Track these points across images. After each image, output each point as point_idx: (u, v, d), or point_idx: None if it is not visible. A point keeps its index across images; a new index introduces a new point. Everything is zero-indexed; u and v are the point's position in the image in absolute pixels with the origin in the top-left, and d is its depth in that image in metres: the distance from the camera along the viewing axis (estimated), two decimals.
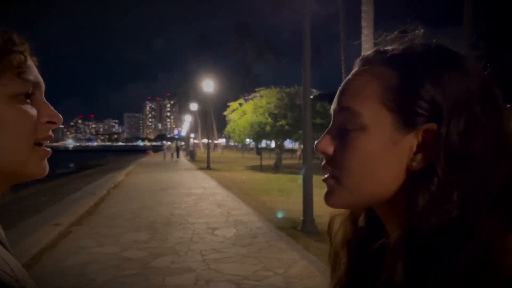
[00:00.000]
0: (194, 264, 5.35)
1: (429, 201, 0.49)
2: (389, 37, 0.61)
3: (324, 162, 0.59)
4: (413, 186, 0.51)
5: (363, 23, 11.17)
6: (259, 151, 36.72)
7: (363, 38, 11.11)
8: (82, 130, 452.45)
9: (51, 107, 0.64)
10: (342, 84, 0.60)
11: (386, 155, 0.53)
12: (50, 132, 0.64)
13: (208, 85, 26.71)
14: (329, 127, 0.60)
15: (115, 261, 5.55)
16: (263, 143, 33.52)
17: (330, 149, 0.58)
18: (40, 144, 0.62)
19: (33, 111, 0.61)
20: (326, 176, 0.59)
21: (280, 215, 8.41)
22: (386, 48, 0.58)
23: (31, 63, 0.62)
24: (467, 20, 15.81)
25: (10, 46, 0.59)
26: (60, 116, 0.64)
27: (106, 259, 5.62)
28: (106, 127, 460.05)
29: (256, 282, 4.68)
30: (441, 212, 0.48)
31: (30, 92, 0.61)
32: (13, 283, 0.59)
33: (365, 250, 0.63)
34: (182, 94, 69.71)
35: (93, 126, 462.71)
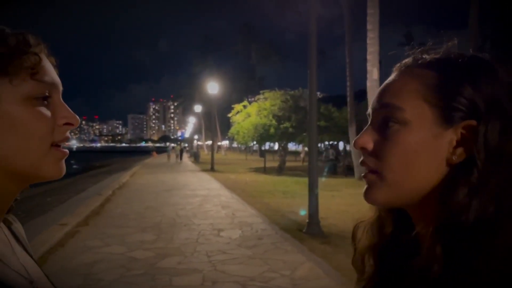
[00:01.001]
0: (201, 265, 5.39)
1: (469, 192, 0.52)
2: (420, 49, 0.64)
3: (362, 158, 0.62)
4: (453, 179, 0.54)
5: (369, 26, 11.21)
6: (262, 153, 36.73)
7: (368, 41, 11.16)
8: (86, 131, 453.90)
9: (68, 109, 0.63)
10: (382, 85, 0.64)
11: (427, 148, 0.56)
12: (67, 134, 0.63)
13: (213, 87, 26.78)
14: (368, 124, 0.63)
15: (122, 261, 5.59)
16: (267, 145, 33.56)
17: (370, 145, 0.60)
18: (57, 146, 0.62)
19: (48, 113, 0.61)
20: (365, 172, 0.61)
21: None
22: (422, 55, 0.62)
23: (47, 64, 0.62)
24: (473, 22, 15.80)
25: (24, 47, 0.59)
26: (77, 117, 0.64)
27: (113, 259, 5.67)
28: (110, 128, 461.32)
29: (262, 284, 4.71)
30: (480, 204, 0.51)
31: (46, 94, 0.61)
32: (27, 285, 0.61)
33: (391, 254, 0.66)
34: (186, 96, 69.91)
35: (97, 127, 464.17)
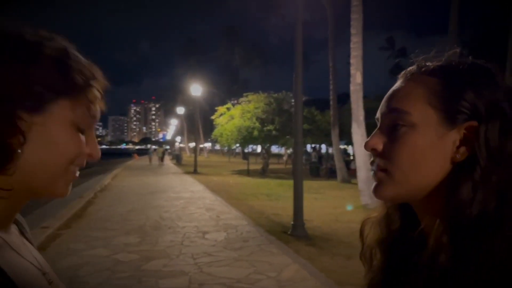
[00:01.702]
0: (187, 267, 5.38)
1: (472, 188, 0.57)
2: (423, 57, 0.69)
3: (372, 159, 0.68)
4: (457, 176, 0.59)
5: (353, 31, 11.35)
6: (245, 155, 36.73)
7: (352, 45, 11.30)
8: None
9: (96, 142, 0.67)
10: (390, 91, 0.69)
11: (433, 148, 0.62)
12: (84, 162, 0.66)
13: (196, 89, 26.70)
14: (377, 128, 0.68)
15: (107, 264, 5.54)
16: (249, 148, 33.58)
17: (380, 146, 0.66)
18: (72, 171, 0.64)
19: (83, 141, 0.64)
20: (374, 170, 0.66)
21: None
22: (426, 63, 0.68)
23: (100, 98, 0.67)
24: (453, 29, 16.17)
25: (93, 81, 0.64)
26: (100, 153, 0.68)
27: (98, 262, 5.61)
28: None
29: (249, 285, 4.73)
30: (482, 199, 0.56)
31: (88, 125, 0.65)
32: (41, 276, 0.64)
33: (398, 249, 0.71)
34: (168, 98, 69.41)
35: None
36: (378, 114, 0.70)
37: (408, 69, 0.69)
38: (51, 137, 0.59)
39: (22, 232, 0.73)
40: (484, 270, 0.52)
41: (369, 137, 0.68)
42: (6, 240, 0.62)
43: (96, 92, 0.65)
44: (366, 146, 0.67)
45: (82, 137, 0.64)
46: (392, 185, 0.64)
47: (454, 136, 0.61)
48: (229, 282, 4.84)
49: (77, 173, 0.66)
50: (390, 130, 0.65)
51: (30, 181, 0.60)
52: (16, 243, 0.65)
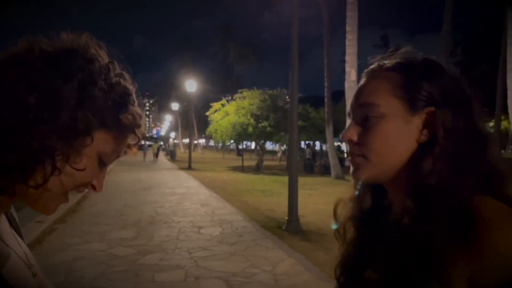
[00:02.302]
0: (182, 261, 5.42)
1: (433, 162, 0.69)
2: (381, 56, 0.82)
3: (349, 148, 0.78)
4: (421, 153, 0.71)
5: (348, 28, 11.42)
6: (240, 152, 36.69)
7: (347, 43, 11.37)
8: None
9: (104, 178, 0.68)
10: (358, 88, 0.80)
11: (401, 133, 0.73)
12: (84, 191, 0.67)
13: (191, 85, 26.64)
14: (350, 122, 0.78)
15: (103, 258, 5.56)
16: (243, 144, 33.61)
17: (355, 137, 0.76)
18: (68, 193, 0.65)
19: (97, 173, 0.65)
20: (350, 158, 0.77)
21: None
22: (384, 61, 0.79)
23: None
24: (446, 27, 16.28)
25: (135, 128, 0.66)
26: (102, 188, 0.68)
27: (93, 256, 5.63)
28: None
29: (244, 279, 4.78)
30: (441, 169, 0.68)
31: (112, 158, 0.66)
32: (27, 270, 0.66)
33: (369, 223, 0.83)
34: (162, 94, 69.18)
35: None
36: (348, 109, 0.80)
37: (370, 67, 0.80)
38: (72, 163, 0.59)
39: (11, 224, 0.74)
40: (438, 224, 0.64)
41: (345, 130, 0.77)
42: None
43: (133, 138, 0.67)
44: (343, 137, 0.77)
45: (97, 170, 0.64)
46: (370, 167, 0.74)
47: (417, 121, 0.73)
48: (225, 275, 4.88)
49: (69, 199, 0.65)
50: (363, 121, 0.76)
51: (30, 194, 0.60)
52: (4, 231, 0.65)
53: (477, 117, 0.72)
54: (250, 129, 21.75)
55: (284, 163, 28.16)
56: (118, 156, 0.67)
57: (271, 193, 12.64)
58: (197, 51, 61.62)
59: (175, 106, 45.85)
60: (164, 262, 5.42)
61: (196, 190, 13.77)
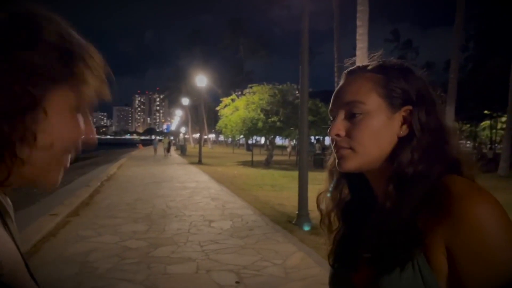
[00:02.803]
0: (194, 254, 5.50)
1: (410, 152, 0.79)
2: (353, 59, 0.95)
3: (334, 143, 0.86)
4: (401, 146, 0.81)
5: (358, 23, 11.36)
6: (249, 147, 36.73)
7: (358, 37, 11.31)
8: None
9: (93, 128, 0.63)
10: (338, 88, 0.89)
11: (384, 128, 0.82)
12: (80, 147, 0.62)
13: (201, 80, 26.72)
14: (336, 119, 0.86)
15: (116, 250, 5.67)
16: (253, 139, 33.63)
17: (342, 132, 0.84)
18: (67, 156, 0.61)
19: (81, 127, 0.60)
20: (336, 151, 0.86)
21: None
22: (364, 64, 0.89)
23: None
24: (458, 22, 16.10)
25: (91, 66, 0.60)
26: (96, 139, 0.64)
27: (107, 248, 5.74)
28: (94, 120, 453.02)
29: (255, 272, 4.84)
30: (416, 160, 0.79)
31: (87, 110, 0.61)
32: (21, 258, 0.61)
33: (351, 210, 0.93)
34: (173, 89, 69.45)
35: None
36: (332, 107, 0.89)
37: (349, 69, 0.90)
38: (51, 123, 0.55)
39: (1, 214, 0.67)
40: (416, 202, 0.76)
41: (331, 126, 0.86)
42: None
43: (95, 77, 0.60)
44: (331, 132, 0.86)
45: (81, 119, 0.60)
46: (357, 158, 0.83)
47: (398, 117, 0.83)
48: (235, 268, 4.95)
49: (68, 163, 0.61)
50: (349, 118, 0.84)
51: (24, 171, 0.56)
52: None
53: (441, 114, 0.85)
54: (260, 124, 21.77)
55: (293, 158, 28.17)
56: (92, 103, 0.62)
57: (281, 187, 12.69)
58: (207, 46, 61.69)
59: (185, 101, 45.98)
60: (176, 254, 5.51)
61: (207, 184, 13.87)
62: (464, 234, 0.70)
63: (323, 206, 0.98)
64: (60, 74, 0.56)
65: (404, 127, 0.83)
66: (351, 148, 0.83)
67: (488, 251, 0.69)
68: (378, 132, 0.82)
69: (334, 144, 0.86)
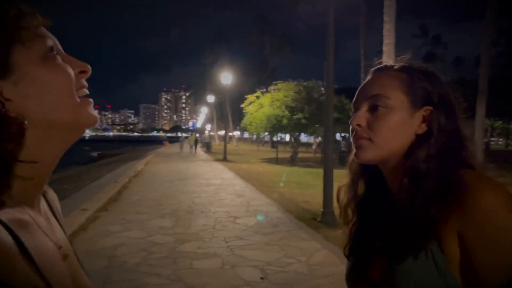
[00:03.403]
0: (219, 250, 5.57)
1: (427, 150, 0.84)
2: (381, 59, 1.00)
3: (354, 133, 0.90)
4: (418, 143, 0.86)
5: (385, 18, 11.18)
6: (274, 144, 36.68)
7: (384, 32, 11.13)
8: (99, 120, 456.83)
9: (76, 59, 0.65)
10: (365, 83, 0.94)
11: (404, 124, 0.87)
12: (84, 82, 0.66)
13: (226, 77, 26.86)
14: (359, 110, 0.91)
15: (143, 245, 5.80)
16: (278, 136, 33.53)
17: (364, 122, 0.89)
18: (80, 94, 0.64)
19: (64, 64, 0.62)
20: (355, 140, 0.90)
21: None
22: (391, 64, 0.94)
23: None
24: (490, 16, 15.62)
25: (26, 12, 0.59)
26: (88, 65, 0.66)
27: (134, 243, 5.88)
28: (122, 117, 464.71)
29: (279, 268, 4.87)
30: (431, 157, 0.83)
31: (54, 51, 0.62)
32: (57, 250, 0.64)
33: (367, 205, 0.97)
34: (198, 86, 70.01)
35: (110, 116, 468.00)
36: (355, 99, 0.94)
37: (377, 67, 0.96)
38: (36, 83, 0.58)
39: (50, 206, 0.74)
40: (429, 194, 0.80)
41: (353, 116, 0.91)
42: (32, 216, 0.62)
43: (36, 16, 0.61)
44: (352, 122, 0.90)
45: (60, 60, 0.62)
46: (374, 149, 0.88)
47: (418, 116, 0.88)
48: (260, 264, 4.99)
49: (87, 92, 0.65)
50: (372, 110, 0.89)
51: (55, 125, 0.60)
52: (41, 219, 0.65)
53: (460, 120, 0.89)
54: (285, 121, 21.72)
55: (318, 155, 27.99)
56: (52, 37, 0.63)
57: (306, 185, 12.65)
58: (232, 43, 61.95)
59: (210, 98, 46.31)
60: (202, 250, 5.59)
61: (232, 181, 13.97)
62: (475, 221, 0.73)
63: (342, 200, 1.02)
64: (7, 38, 0.56)
65: (423, 125, 0.87)
66: (370, 139, 0.88)
67: (499, 237, 0.72)
68: (398, 127, 0.86)
69: (354, 134, 0.90)
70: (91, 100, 0.66)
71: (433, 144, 0.84)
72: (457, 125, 0.88)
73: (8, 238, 0.52)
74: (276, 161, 23.35)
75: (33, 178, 0.61)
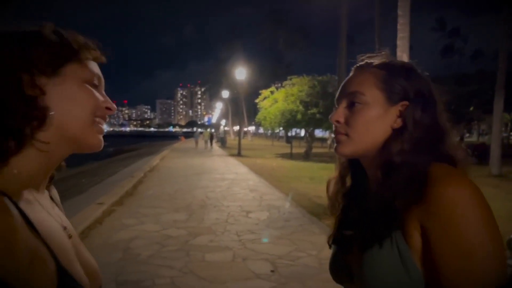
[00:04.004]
0: (231, 243, 5.65)
1: (400, 144, 0.87)
2: (368, 55, 1.01)
3: (334, 128, 0.96)
4: (393, 137, 0.89)
5: (399, 12, 11.04)
6: (288, 139, 36.66)
7: (399, 26, 11.00)
8: (115, 115, 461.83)
9: (109, 99, 0.81)
10: (345, 80, 0.98)
11: (380, 119, 0.90)
12: (106, 116, 0.80)
13: (241, 72, 26.92)
14: (339, 107, 0.95)
15: (157, 238, 5.91)
16: (293, 132, 33.51)
17: (342, 119, 0.94)
18: (97, 122, 0.78)
19: (98, 96, 0.78)
20: (335, 136, 0.95)
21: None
22: (371, 60, 0.97)
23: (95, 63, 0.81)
24: (508, 9, 15.29)
25: (90, 45, 0.79)
26: (115, 106, 0.81)
27: (148, 236, 6.00)
28: (138, 113, 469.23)
29: (290, 262, 4.93)
30: (404, 151, 0.86)
31: (96, 82, 0.78)
32: (62, 230, 0.78)
33: (352, 196, 1.02)
34: (213, 81, 70.20)
35: (126, 111, 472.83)
36: (337, 96, 0.98)
37: (359, 64, 0.99)
38: (70, 93, 0.73)
39: (52, 199, 0.86)
40: (397, 186, 0.84)
41: (333, 112, 0.96)
42: (37, 198, 0.74)
43: (96, 52, 0.80)
44: (331, 118, 0.95)
45: (96, 93, 0.78)
46: (351, 144, 0.92)
47: (394, 111, 0.91)
48: (271, 258, 5.05)
49: (103, 126, 0.80)
50: (349, 107, 0.93)
51: (65, 134, 0.73)
52: (45, 202, 0.79)
53: (440, 113, 0.91)
54: (299, 116, 21.70)
55: (333, 150, 27.87)
56: (99, 76, 0.80)
57: (319, 180, 12.63)
58: (246, 38, 61.92)
59: (225, 93, 46.42)
60: (214, 243, 5.68)
61: (245, 176, 14.06)
62: (436, 213, 0.77)
63: (330, 192, 1.08)
64: (64, 54, 0.74)
65: (399, 120, 0.90)
66: (347, 134, 0.92)
67: (457, 230, 0.75)
68: (373, 122, 0.90)
69: (334, 129, 0.96)
70: (103, 129, 0.80)
71: (407, 138, 0.87)
72: (436, 119, 0.90)
73: (15, 210, 0.62)
74: (291, 156, 23.36)
75: (41, 164, 0.73)
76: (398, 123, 0.90)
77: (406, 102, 0.90)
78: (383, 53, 0.99)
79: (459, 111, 24.92)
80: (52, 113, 0.71)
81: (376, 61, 0.97)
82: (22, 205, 0.67)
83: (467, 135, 56.51)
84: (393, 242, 0.81)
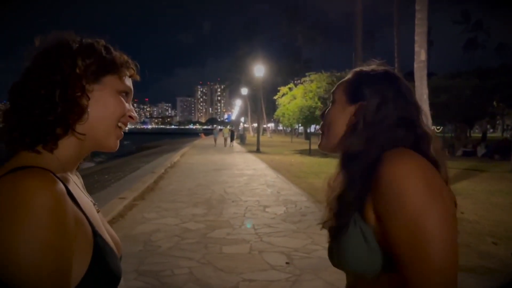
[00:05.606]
0: (248, 236, 5.81)
1: (355, 137, 0.99)
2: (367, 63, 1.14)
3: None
4: (350, 131, 1.02)
5: (417, 7, 10.99)
6: (308, 135, 36.59)
7: (416, 21, 10.96)
8: (137, 113, 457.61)
9: (132, 106, 0.97)
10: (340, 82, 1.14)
11: (340, 116, 1.05)
12: (128, 123, 0.96)
13: (259, 70, 27.01)
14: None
15: (177, 231, 6.12)
16: (312, 128, 33.42)
17: (321, 116, 1.13)
18: (119, 127, 0.93)
19: (126, 105, 0.93)
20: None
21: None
22: (366, 68, 1.10)
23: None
24: None
25: (128, 62, 0.96)
26: (137, 116, 0.96)
27: (168, 229, 6.21)
28: (159, 110, 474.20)
29: (305, 254, 5.05)
30: (359, 143, 0.97)
31: (126, 93, 0.95)
32: (92, 203, 0.95)
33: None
34: (232, 79, 70.50)
35: (148, 109, 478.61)
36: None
37: (354, 69, 1.13)
38: (105, 99, 0.89)
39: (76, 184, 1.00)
40: (354, 174, 0.95)
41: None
42: (73, 179, 0.91)
43: (132, 70, 0.97)
44: (321, 118, 1.14)
45: (125, 102, 0.94)
46: (324, 139, 1.10)
47: (351, 109, 1.04)
48: (287, 250, 5.19)
49: (122, 131, 0.95)
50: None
51: (93, 131, 0.88)
52: (77, 182, 0.97)
53: (400, 110, 0.99)
54: (318, 112, 21.58)
55: None
56: (131, 90, 0.96)
57: None
58: (264, 35, 61.96)
59: (244, 91, 46.59)
60: (231, 236, 5.85)
61: (264, 172, 14.20)
62: (380, 191, 0.85)
63: (330, 186, 1.17)
64: (107, 66, 0.90)
65: (353, 117, 1.03)
66: (322, 130, 1.11)
67: (397, 204, 0.82)
68: (335, 119, 1.06)
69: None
70: (122, 134, 0.96)
71: (359, 132, 0.98)
72: (391, 115, 0.98)
73: (61, 185, 0.77)
74: (309, 152, 23.38)
75: (76, 151, 0.89)
76: (353, 120, 1.02)
77: (363, 103, 1.01)
78: (377, 62, 1.11)
79: (482, 106, 24.49)
80: (89, 111, 0.86)
81: (358, 68, 1.11)
82: (63, 180, 0.82)
83: (491, 130, 55.31)
84: (356, 224, 0.91)
